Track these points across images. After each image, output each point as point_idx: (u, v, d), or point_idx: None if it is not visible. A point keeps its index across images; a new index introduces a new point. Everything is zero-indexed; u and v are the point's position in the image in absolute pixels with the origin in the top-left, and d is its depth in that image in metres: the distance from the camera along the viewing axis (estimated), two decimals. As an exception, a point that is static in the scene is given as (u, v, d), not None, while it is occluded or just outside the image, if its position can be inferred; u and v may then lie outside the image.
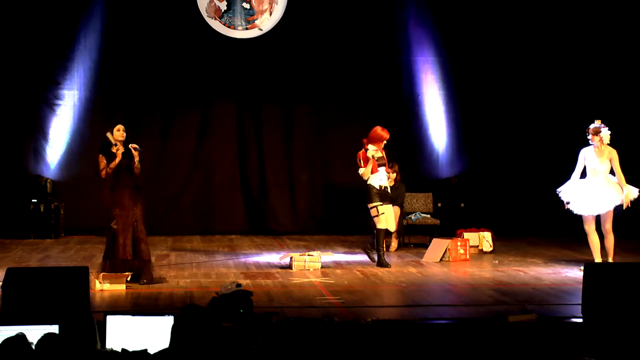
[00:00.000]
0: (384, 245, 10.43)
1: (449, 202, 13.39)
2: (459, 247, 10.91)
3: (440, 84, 13.94)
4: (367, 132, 13.83)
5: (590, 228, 9.91)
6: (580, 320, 7.19)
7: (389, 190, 10.36)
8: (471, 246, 11.22)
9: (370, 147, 10.27)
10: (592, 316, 7.17)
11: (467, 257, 10.93)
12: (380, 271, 9.93)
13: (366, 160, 10.19)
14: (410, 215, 12.30)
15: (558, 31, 13.77)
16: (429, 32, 13.89)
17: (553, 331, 6.87)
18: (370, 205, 10.24)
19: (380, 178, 10.23)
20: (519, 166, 13.65)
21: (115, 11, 13.37)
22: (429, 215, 12.33)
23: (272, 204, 13.73)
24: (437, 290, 9.02)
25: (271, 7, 13.71)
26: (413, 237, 12.40)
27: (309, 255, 10.17)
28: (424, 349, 6.42)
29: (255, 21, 13.72)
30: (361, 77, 13.82)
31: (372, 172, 10.18)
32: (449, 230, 12.20)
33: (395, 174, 11.69)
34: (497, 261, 10.82)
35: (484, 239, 11.64)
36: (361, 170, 10.22)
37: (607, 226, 9.90)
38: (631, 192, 9.83)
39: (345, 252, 11.55)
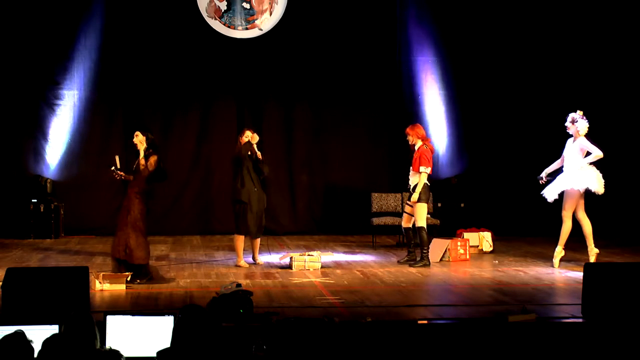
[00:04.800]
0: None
1: (449, 202, 13.39)
2: (459, 247, 10.91)
3: (440, 84, 13.94)
4: (366, 132, 13.95)
5: (566, 214, 10.18)
6: (580, 320, 7.19)
7: (410, 189, 10.48)
8: (471, 246, 11.23)
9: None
10: (592, 316, 7.17)
11: (467, 257, 10.93)
12: (380, 271, 9.94)
13: None
14: (410, 215, 12.30)
15: (558, 31, 13.77)
16: (429, 32, 13.88)
17: (553, 331, 6.87)
18: None
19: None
20: (519, 166, 13.63)
21: (115, 11, 13.37)
22: (429, 215, 12.31)
23: (272, 204, 13.70)
24: (437, 290, 9.03)
25: (271, 7, 13.71)
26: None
27: (309, 255, 10.17)
28: (424, 349, 6.42)
29: (255, 21, 13.72)
30: (361, 77, 13.82)
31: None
32: (449, 230, 12.21)
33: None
34: (497, 261, 10.83)
35: (484, 239, 11.65)
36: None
37: (579, 214, 10.17)
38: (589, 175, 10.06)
39: (345, 252, 11.55)
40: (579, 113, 10.16)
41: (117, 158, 9.19)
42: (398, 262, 10.53)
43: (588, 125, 10.11)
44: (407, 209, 10.52)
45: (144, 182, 9.04)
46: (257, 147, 10.32)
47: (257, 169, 10.30)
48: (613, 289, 7.26)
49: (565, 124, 10.23)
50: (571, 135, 10.24)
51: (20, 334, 4.40)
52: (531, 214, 13.20)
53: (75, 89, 13.39)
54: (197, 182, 13.75)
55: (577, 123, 10.09)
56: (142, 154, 9.08)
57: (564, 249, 10.28)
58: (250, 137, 10.25)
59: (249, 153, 10.20)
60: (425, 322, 7.13)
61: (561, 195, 10.29)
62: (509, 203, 13.57)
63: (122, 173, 9.11)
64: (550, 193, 10.31)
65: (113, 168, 9.11)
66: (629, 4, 13.65)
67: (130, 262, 8.95)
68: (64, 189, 13.27)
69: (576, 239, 10.58)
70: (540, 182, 10.45)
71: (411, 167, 10.47)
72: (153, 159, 9.01)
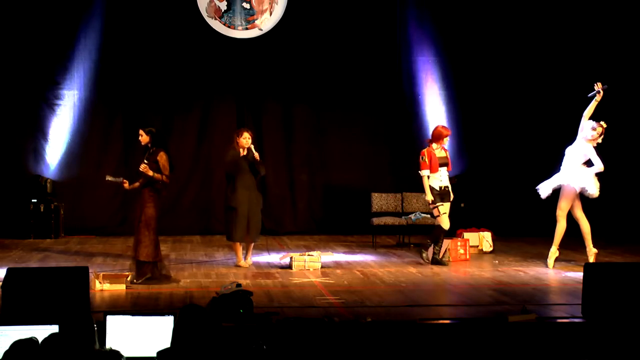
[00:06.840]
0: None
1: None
2: (459, 247, 10.91)
3: (441, 84, 13.94)
4: (366, 132, 13.95)
5: (561, 213, 10.19)
6: (580, 320, 7.19)
7: (449, 189, 10.42)
8: (471, 246, 11.23)
9: (434, 145, 10.34)
10: (592, 316, 7.17)
11: (467, 257, 10.93)
12: (380, 271, 9.94)
13: (430, 159, 10.26)
14: (410, 215, 12.30)
15: (558, 31, 13.77)
16: (429, 32, 13.88)
17: (553, 331, 6.87)
18: (431, 206, 10.41)
19: (441, 178, 10.34)
20: (519, 166, 13.64)
21: (115, 11, 13.37)
22: (428, 215, 12.32)
23: (272, 203, 13.72)
24: (437, 290, 9.03)
25: (271, 7, 13.71)
26: (413, 237, 12.40)
27: (309, 255, 10.17)
28: (424, 349, 6.42)
29: (255, 21, 13.72)
30: (361, 77, 13.81)
31: (432, 172, 10.28)
32: (449, 230, 12.18)
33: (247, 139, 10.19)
34: (497, 261, 10.83)
35: (484, 239, 11.64)
36: (421, 172, 10.29)
37: (577, 213, 10.15)
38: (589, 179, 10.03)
39: (345, 252, 11.55)
40: (604, 125, 10.05)
41: (108, 178, 9.26)
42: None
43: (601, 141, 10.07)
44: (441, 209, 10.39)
45: (160, 180, 9.02)
46: (255, 146, 10.32)
47: (254, 169, 10.29)
48: (613, 289, 7.26)
49: (594, 126, 10.02)
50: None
51: (33, 341, 4.41)
52: (531, 214, 13.19)
53: (75, 89, 13.39)
54: (197, 182, 13.75)
55: (602, 135, 10.00)
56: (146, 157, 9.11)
57: (558, 249, 10.26)
58: (248, 138, 10.21)
59: (247, 156, 10.17)
60: (426, 322, 7.12)
61: (556, 193, 10.27)
62: (509, 203, 13.56)
63: (125, 181, 9.18)
64: (544, 189, 10.30)
65: (110, 179, 9.18)
66: (629, 5, 13.64)
67: (137, 259, 8.96)
68: (64, 189, 13.26)
69: (575, 239, 10.58)
70: (599, 88, 10.16)
71: (449, 166, 10.42)
72: (163, 159, 9.00)
